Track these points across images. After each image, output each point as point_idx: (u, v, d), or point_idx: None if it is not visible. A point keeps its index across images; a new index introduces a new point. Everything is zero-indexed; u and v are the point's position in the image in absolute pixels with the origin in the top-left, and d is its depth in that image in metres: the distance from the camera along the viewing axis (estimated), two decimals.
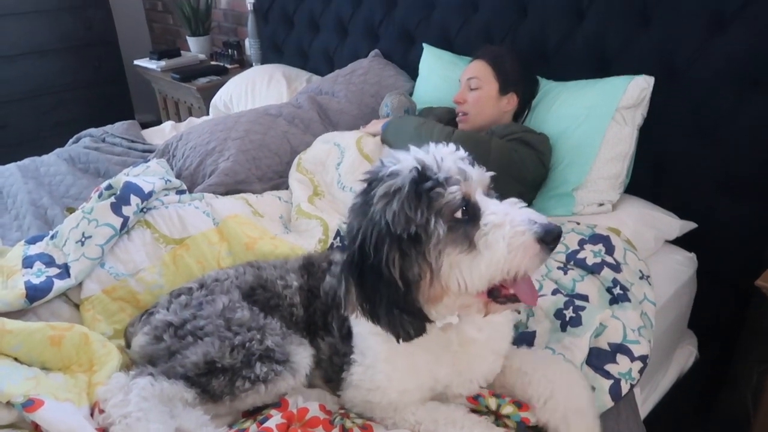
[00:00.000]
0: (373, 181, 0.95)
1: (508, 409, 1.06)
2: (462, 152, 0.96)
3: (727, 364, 1.74)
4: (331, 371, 1.13)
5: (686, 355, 1.76)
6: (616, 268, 1.43)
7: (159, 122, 3.42)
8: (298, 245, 1.47)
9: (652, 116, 1.74)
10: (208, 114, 3.10)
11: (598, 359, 1.22)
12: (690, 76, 1.67)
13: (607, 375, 1.19)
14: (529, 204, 1.01)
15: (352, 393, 1.08)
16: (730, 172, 1.65)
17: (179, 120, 3.56)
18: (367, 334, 1.05)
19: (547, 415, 1.05)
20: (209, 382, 1.03)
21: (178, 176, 1.88)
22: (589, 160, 1.71)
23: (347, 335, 1.10)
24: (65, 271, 1.35)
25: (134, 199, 1.43)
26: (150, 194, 1.49)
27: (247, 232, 1.46)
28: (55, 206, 1.85)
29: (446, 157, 0.93)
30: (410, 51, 2.46)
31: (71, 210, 1.69)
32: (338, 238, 1.52)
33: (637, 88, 1.69)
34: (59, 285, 1.30)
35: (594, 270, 1.42)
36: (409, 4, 2.41)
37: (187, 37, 3.82)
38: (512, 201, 0.93)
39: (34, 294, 1.25)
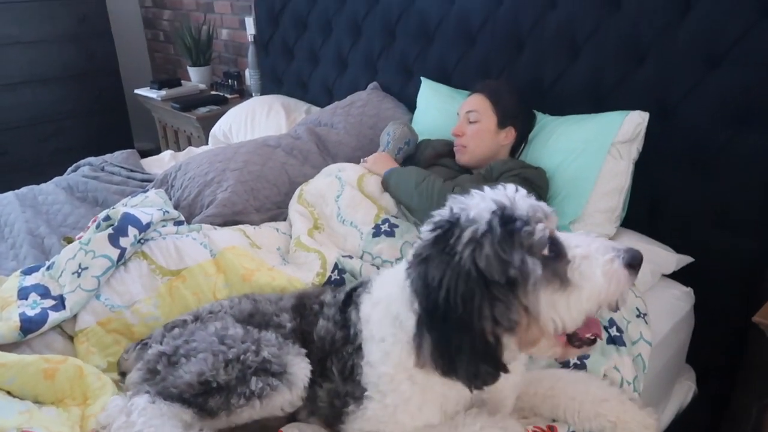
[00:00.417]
0: (446, 229, 0.91)
1: None
2: (523, 190, 0.94)
3: (726, 399, 1.72)
4: (332, 417, 1.08)
5: (685, 391, 1.74)
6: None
7: (158, 150, 3.44)
8: (296, 277, 1.46)
9: (648, 151, 1.76)
10: (207, 143, 3.12)
11: None
12: (684, 112, 1.69)
13: None
14: None
15: (360, 425, 1.03)
16: (726, 206, 1.66)
17: (179, 148, 3.58)
18: (394, 376, 1.00)
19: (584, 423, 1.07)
20: (206, 402, 1.01)
21: (176, 206, 1.88)
22: (585, 194, 1.72)
23: (350, 374, 1.06)
24: (60, 302, 1.34)
25: (132, 231, 1.43)
26: (148, 225, 1.49)
27: (244, 263, 1.45)
28: (52, 235, 1.84)
29: (517, 196, 0.92)
30: (408, 84, 2.48)
31: (68, 239, 1.69)
32: (336, 272, 1.52)
33: (633, 123, 1.71)
34: (54, 317, 1.29)
35: None
36: (408, 38, 2.44)
37: (188, 67, 3.86)
38: (586, 232, 0.93)
39: (29, 326, 1.24)
